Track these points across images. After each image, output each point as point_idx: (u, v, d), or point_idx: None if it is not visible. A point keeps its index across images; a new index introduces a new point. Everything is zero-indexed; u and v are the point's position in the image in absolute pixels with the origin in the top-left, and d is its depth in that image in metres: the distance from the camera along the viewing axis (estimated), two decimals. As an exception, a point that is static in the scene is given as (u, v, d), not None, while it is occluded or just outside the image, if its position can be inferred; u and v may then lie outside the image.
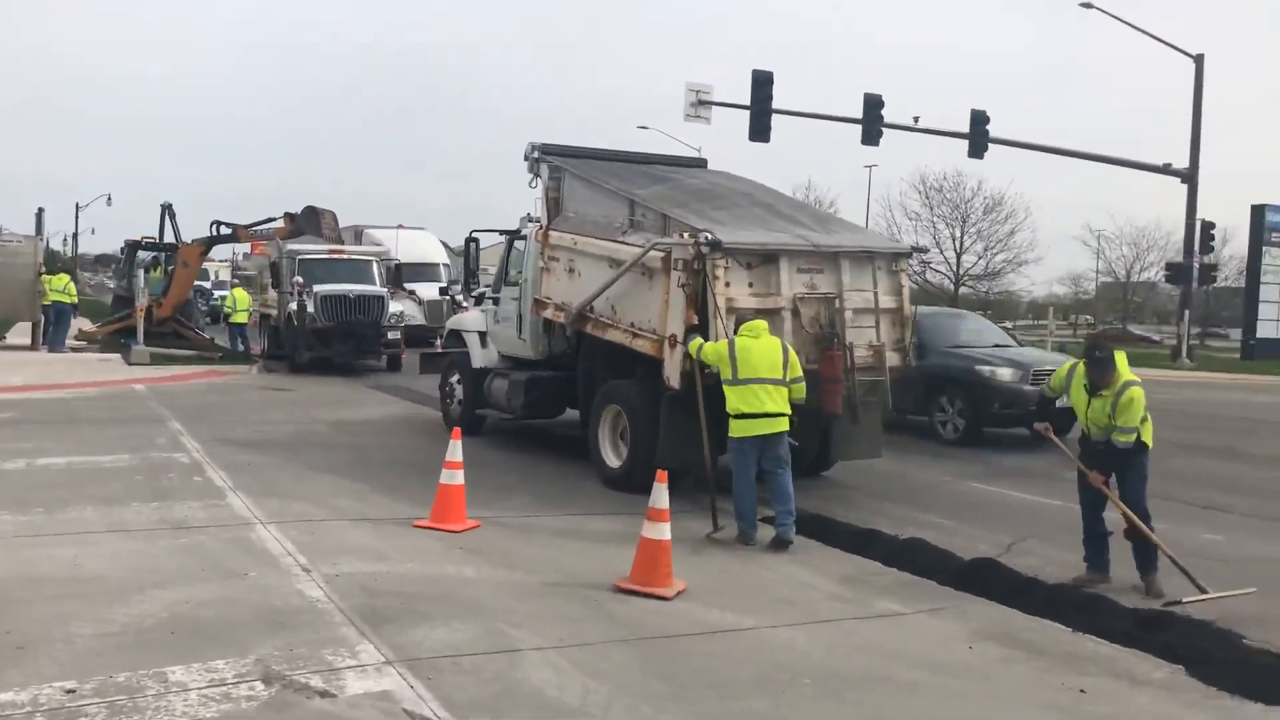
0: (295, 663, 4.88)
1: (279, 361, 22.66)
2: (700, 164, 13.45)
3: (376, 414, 15.06)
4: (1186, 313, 32.15)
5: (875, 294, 10.11)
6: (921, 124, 27.00)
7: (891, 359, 10.09)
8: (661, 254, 9.39)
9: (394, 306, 22.56)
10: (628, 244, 10.07)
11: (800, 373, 8.40)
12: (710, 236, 9.01)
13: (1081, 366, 7.07)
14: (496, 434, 13.25)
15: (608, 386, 10.57)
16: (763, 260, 9.44)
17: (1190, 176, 31.54)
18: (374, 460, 10.99)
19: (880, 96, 25.73)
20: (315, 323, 21.28)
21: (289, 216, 23.70)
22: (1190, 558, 7.14)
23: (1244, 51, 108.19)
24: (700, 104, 24.62)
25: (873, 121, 25.19)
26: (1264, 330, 34.77)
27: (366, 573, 6.48)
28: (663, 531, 6.52)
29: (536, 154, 11.86)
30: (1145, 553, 6.99)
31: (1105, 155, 30.73)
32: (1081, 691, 5.16)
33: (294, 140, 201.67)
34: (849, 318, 9.79)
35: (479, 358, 13.23)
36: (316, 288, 21.55)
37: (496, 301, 12.99)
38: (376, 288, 22.50)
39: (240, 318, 22.97)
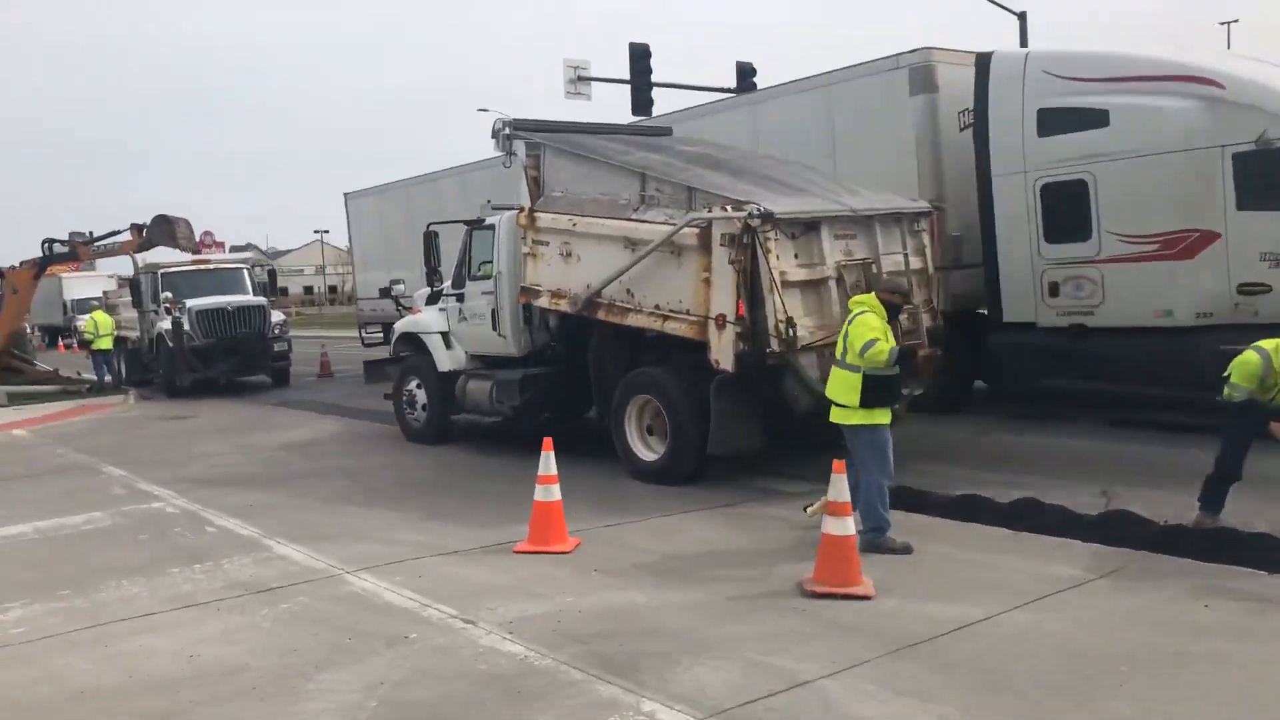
0: (593, 739, 4.07)
1: (148, 387, 20.47)
2: (667, 132, 12.80)
3: (318, 433, 13.69)
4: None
5: (905, 255, 9.85)
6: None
7: (925, 320, 9.87)
8: (697, 230, 8.76)
9: (276, 316, 20.75)
10: (649, 222, 9.34)
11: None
12: (760, 208, 8.44)
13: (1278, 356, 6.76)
14: (469, 439, 12.26)
15: (633, 375, 9.85)
16: (805, 229, 8.95)
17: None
18: (379, 485, 9.88)
19: (751, 64, 25.66)
20: (193, 341, 19.31)
21: (137, 228, 21.30)
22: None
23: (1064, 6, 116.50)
24: (580, 80, 23.77)
25: (746, 89, 25.05)
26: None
27: (538, 615, 5.63)
28: (848, 527, 5.98)
29: (507, 130, 10.91)
30: None
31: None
32: (1361, 635, 5.02)
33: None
34: (884, 281, 9.50)
35: (445, 360, 12.16)
36: (189, 303, 19.56)
37: (460, 298, 11.95)
38: (255, 298, 20.64)
39: (104, 344, 20.51)
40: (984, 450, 10.35)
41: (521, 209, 10.66)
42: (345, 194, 23.32)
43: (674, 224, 8.91)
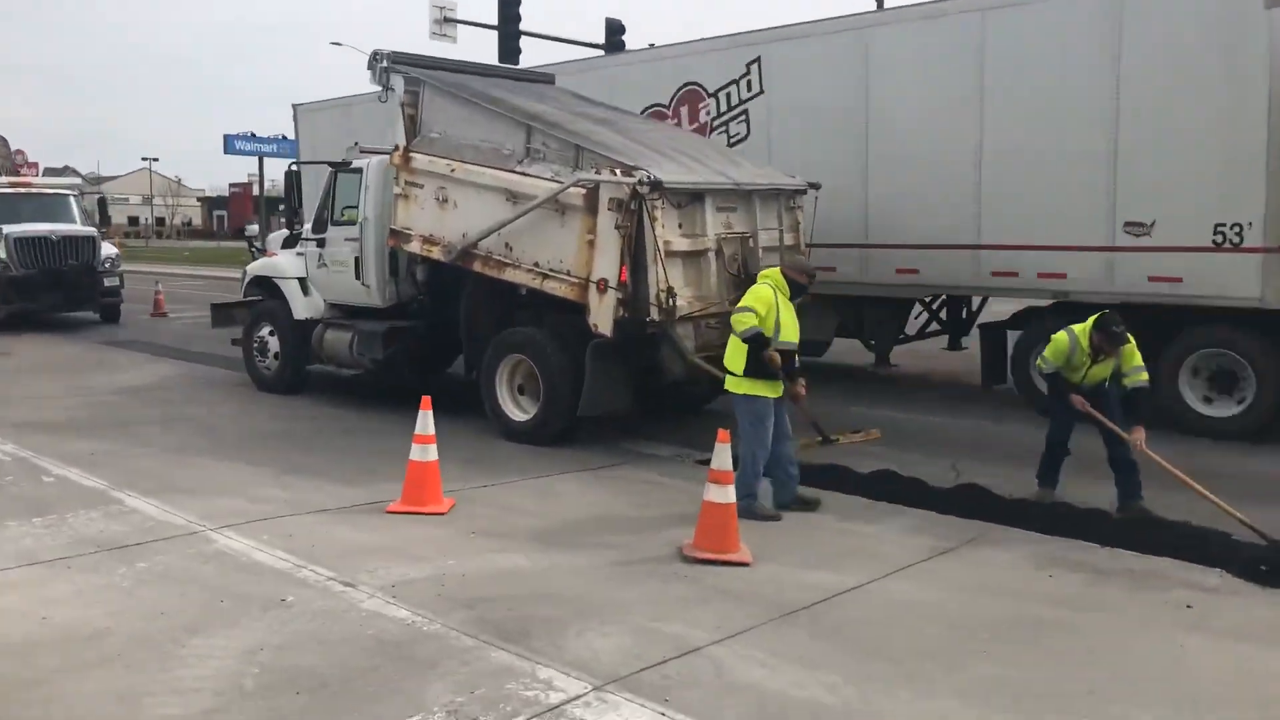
0: (500, 708, 4.03)
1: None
2: (549, 80, 12.54)
3: (158, 377, 12.91)
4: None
5: (780, 231, 10.04)
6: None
7: None
8: (584, 190, 8.67)
9: (107, 249, 19.34)
10: (533, 176, 9.16)
11: None
12: (650, 175, 8.41)
13: (1086, 338, 7.26)
14: (322, 391, 11.85)
15: (506, 334, 9.70)
16: (690, 199, 8.99)
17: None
18: (231, 435, 9.42)
19: (621, 21, 25.51)
20: (9, 271, 17.80)
21: (-56, 142, 19.42)
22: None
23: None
24: (446, 21, 22.99)
25: (615, 47, 24.88)
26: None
27: (420, 579, 5.51)
28: (728, 495, 6.11)
29: (385, 63, 10.38)
30: (1131, 480, 7.41)
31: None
32: (1189, 607, 5.51)
33: None
34: (759, 256, 9.67)
35: (302, 308, 11.66)
36: (7, 229, 18.00)
37: (321, 244, 11.45)
38: (83, 227, 19.18)
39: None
40: (845, 423, 10.74)
41: (396, 148, 10.23)
42: (295, 106, 19.23)
43: (560, 182, 8.77)
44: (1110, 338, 7.17)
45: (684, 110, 13.38)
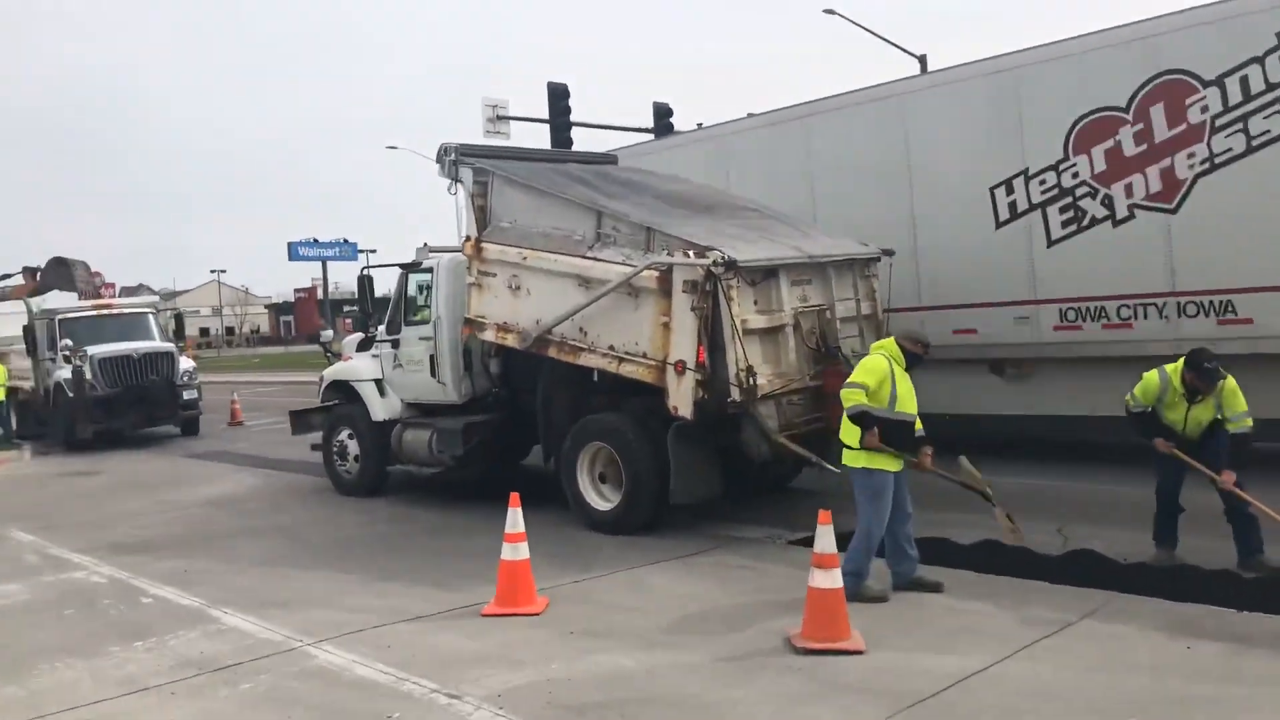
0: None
1: (42, 441, 19.34)
2: (613, 160, 12.64)
3: (241, 487, 13.05)
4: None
5: (857, 300, 9.90)
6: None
7: None
8: (657, 273, 8.63)
9: (185, 363, 19.86)
10: (605, 261, 9.13)
11: None
12: (724, 255, 8.34)
13: (1177, 377, 7.04)
14: (402, 492, 11.87)
15: (585, 422, 9.62)
16: (764, 275, 8.91)
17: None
18: (318, 543, 9.42)
19: (668, 104, 25.90)
20: (95, 390, 18.33)
21: (30, 271, 20.28)
22: None
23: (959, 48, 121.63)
24: (499, 119, 23.59)
25: (663, 130, 25.24)
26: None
27: (525, 685, 5.35)
28: (836, 579, 5.87)
29: (453, 156, 10.49)
30: (1249, 534, 7.05)
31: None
32: (1345, 674, 5.12)
33: None
34: (837, 328, 9.51)
35: (379, 409, 11.75)
36: (91, 350, 18.58)
37: (396, 344, 11.58)
38: (162, 343, 19.74)
39: (-1, 394, 19.32)
40: (932, 490, 10.41)
41: (468, 239, 10.33)
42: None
43: (633, 265, 8.72)
44: (1202, 375, 6.87)
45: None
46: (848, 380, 6.77)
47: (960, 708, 4.87)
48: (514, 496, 7.01)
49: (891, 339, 7.03)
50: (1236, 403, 6.91)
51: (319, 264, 69.22)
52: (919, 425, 6.96)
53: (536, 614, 6.68)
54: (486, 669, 5.62)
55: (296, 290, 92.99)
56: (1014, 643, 5.74)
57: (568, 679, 5.44)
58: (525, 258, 9.75)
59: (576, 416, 9.86)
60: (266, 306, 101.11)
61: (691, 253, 8.40)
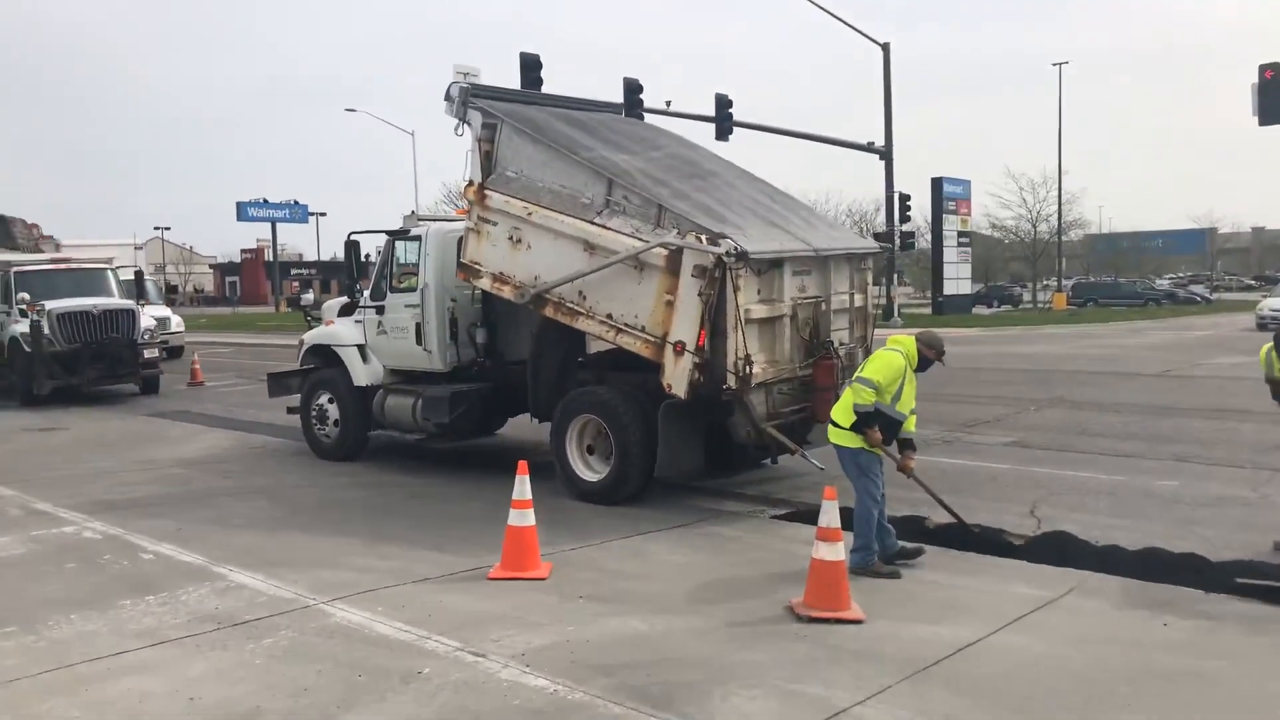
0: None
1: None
2: (618, 109, 12.64)
3: (215, 448, 12.99)
4: (895, 276, 35.67)
5: (851, 294, 10.12)
6: (674, 108, 27.56)
7: (859, 357, 10.06)
8: (666, 252, 8.71)
9: (147, 320, 19.55)
10: (614, 231, 9.10)
11: None
12: (737, 247, 8.41)
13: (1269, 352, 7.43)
14: (387, 455, 11.96)
15: (576, 395, 9.79)
16: (770, 266, 9.04)
17: (887, 154, 34.95)
18: (307, 505, 9.50)
19: (638, 81, 25.93)
20: (53, 346, 17.98)
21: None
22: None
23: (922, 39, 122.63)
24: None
25: (633, 106, 25.28)
26: (948, 288, 39.42)
27: (547, 645, 5.55)
28: (839, 552, 6.15)
29: (461, 97, 10.16)
30: None
31: (825, 136, 33.18)
32: (1310, 650, 5.52)
33: None
34: (831, 320, 9.73)
35: (362, 374, 11.76)
36: (49, 305, 18.20)
37: (381, 310, 11.60)
38: (122, 300, 19.40)
39: (-50, 348, 18.79)
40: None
41: (470, 183, 10.15)
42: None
43: (645, 241, 8.77)
44: None
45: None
46: (860, 374, 6.98)
47: (965, 675, 5.17)
48: (522, 464, 7.18)
49: (912, 339, 7.19)
50: None
51: (269, 226, 68.12)
52: (910, 425, 7.21)
53: (543, 579, 6.87)
54: (505, 629, 5.81)
55: (244, 251, 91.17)
56: (1002, 617, 6.07)
57: (587, 640, 5.65)
58: (530, 214, 9.62)
59: (565, 377, 9.98)
60: (211, 266, 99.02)
61: (704, 238, 8.45)
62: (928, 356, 7.06)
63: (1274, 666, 5.33)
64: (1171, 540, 7.62)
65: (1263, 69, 24.90)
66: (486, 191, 10.00)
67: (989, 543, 7.76)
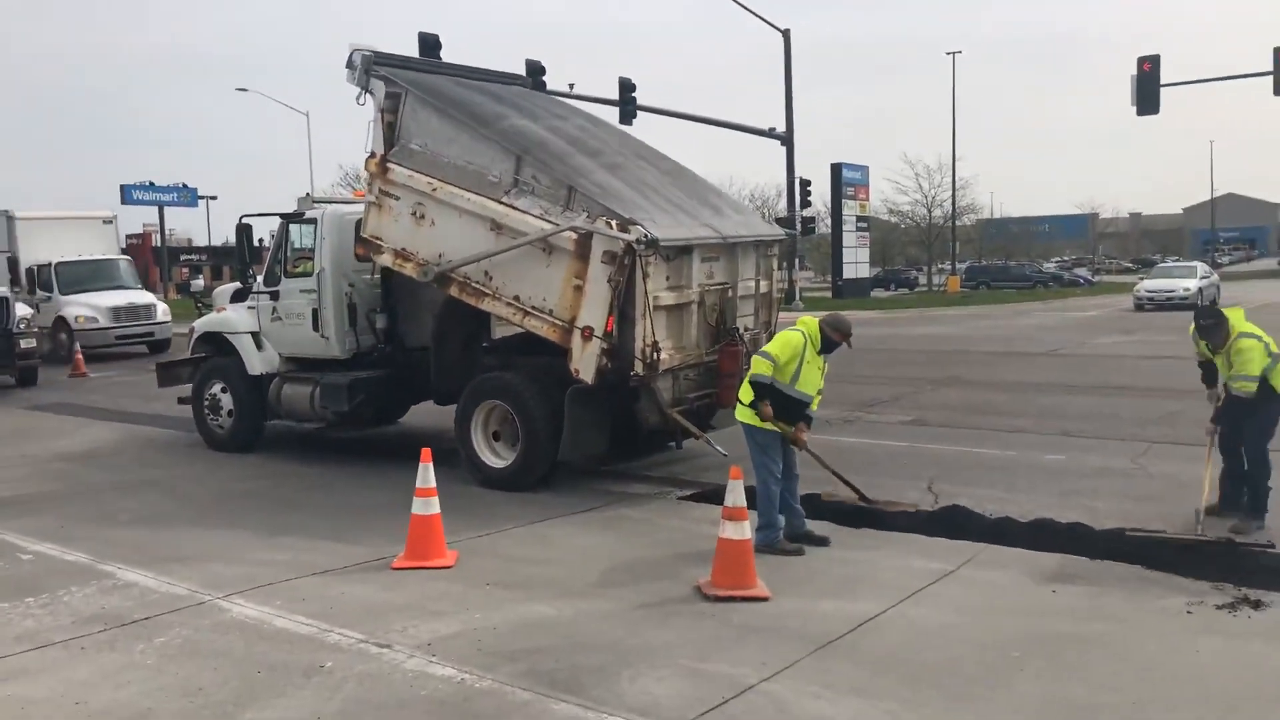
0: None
1: None
2: (525, 83, 12.43)
3: (99, 441, 12.43)
4: (797, 260, 36.21)
5: (757, 280, 10.19)
6: (577, 90, 27.38)
7: (762, 342, 10.15)
8: (575, 236, 8.64)
9: (22, 310, 18.58)
10: (521, 211, 8.92)
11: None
12: (647, 234, 8.33)
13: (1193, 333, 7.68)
14: (284, 446, 11.64)
15: (481, 380, 9.65)
16: (679, 252, 9.01)
17: (788, 139, 35.41)
18: (200, 498, 9.17)
19: (540, 63, 25.68)
20: (-82, 336, 16.98)
21: None
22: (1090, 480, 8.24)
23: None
24: (367, 67, 22.84)
25: (536, 87, 25.09)
26: (847, 271, 40.22)
27: (452, 634, 5.47)
28: (745, 531, 6.21)
29: (364, 65, 9.83)
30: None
31: (727, 121, 33.38)
32: (1189, 612, 5.80)
33: None
34: (737, 306, 9.77)
35: (257, 363, 11.39)
36: (-86, 291, 17.17)
37: (275, 296, 11.23)
38: (-5, 288, 18.40)
39: None
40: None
41: (372, 155, 9.83)
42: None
43: (554, 224, 8.64)
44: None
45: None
46: (761, 349, 7.10)
47: (870, 646, 5.29)
48: (425, 452, 7.04)
49: (816, 320, 7.29)
50: (1241, 364, 7.38)
51: (155, 210, 65.25)
52: (814, 406, 7.34)
53: (448, 567, 6.77)
54: (410, 619, 5.70)
55: (129, 236, 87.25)
56: (902, 590, 6.22)
57: (493, 628, 5.59)
58: (435, 189, 9.38)
59: (469, 359, 9.84)
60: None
61: (614, 224, 8.36)
62: (832, 339, 7.17)
63: (1153, 628, 5.58)
64: (1060, 511, 7.93)
65: (1141, 61, 26.04)
66: (389, 164, 9.70)
67: (887, 517, 7.97)
